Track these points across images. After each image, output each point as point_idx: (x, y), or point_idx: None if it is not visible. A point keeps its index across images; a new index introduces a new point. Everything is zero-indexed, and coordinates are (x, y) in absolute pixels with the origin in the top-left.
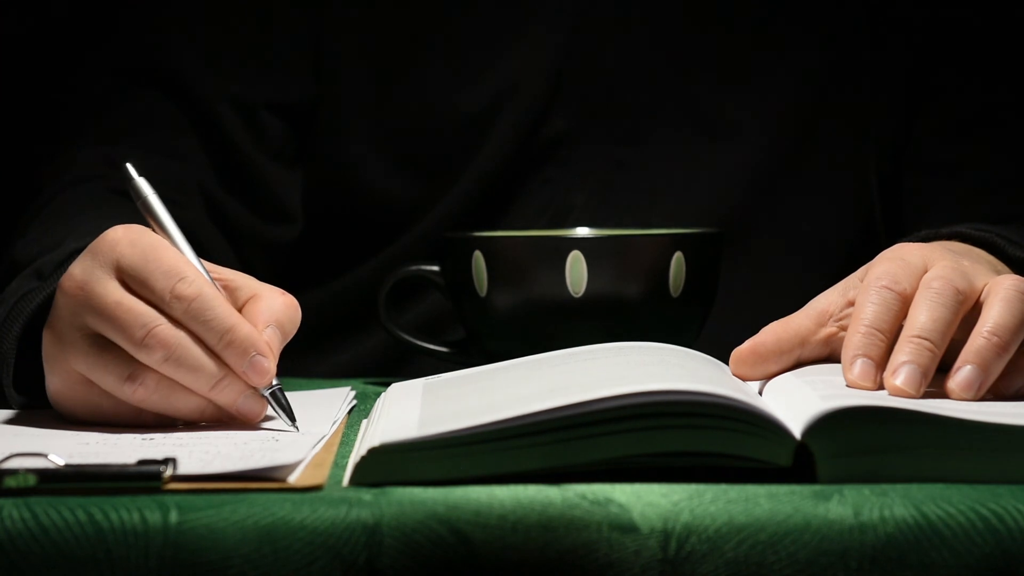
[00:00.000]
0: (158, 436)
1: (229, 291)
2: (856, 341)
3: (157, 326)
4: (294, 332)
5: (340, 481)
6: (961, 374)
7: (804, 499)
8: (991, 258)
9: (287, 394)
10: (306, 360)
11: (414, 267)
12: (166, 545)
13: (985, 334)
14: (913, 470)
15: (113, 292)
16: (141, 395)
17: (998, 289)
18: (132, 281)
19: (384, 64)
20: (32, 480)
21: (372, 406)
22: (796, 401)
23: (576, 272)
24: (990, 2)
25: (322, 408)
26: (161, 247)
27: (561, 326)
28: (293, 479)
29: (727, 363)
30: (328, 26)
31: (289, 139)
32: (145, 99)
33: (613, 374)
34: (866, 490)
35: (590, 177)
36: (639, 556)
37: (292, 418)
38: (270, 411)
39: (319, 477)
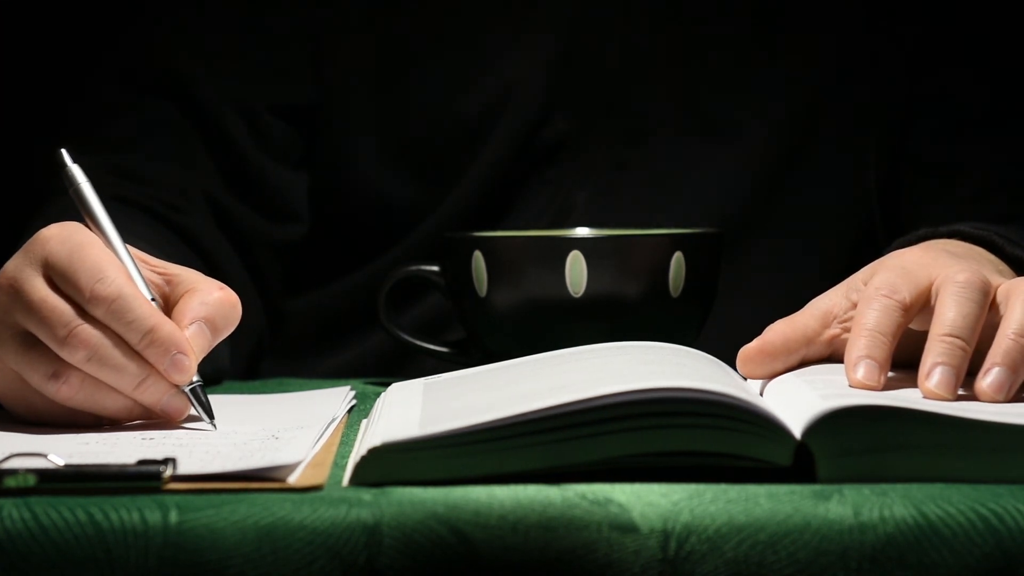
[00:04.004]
0: (158, 436)
1: (171, 285)
2: (860, 344)
3: (78, 325)
4: (229, 327)
5: (340, 481)
6: (991, 376)
7: (804, 499)
8: (992, 257)
9: (281, 394)
10: (306, 360)
11: (414, 267)
12: (166, 545)
13: (1011, 336)
14: (913, 470)
15: (39, 289)
16: (66, 393)
17: (1018, 292)
18: (57, 279)
19: (384, 67)
20: (32, 480)
21: (372, 406)
22: (796, 401)
23: (576, 272)
24: (989, 3)
25: (322, 408)
26: (88, 245)
27: (561, 326)
28: (293, 479)
29: (727, 363)
30: (327, 29)
31: (293, 141)
32: (149, 106)
33: (613, 372)
34: (866, 490)
35: (591, 178)
36: (639, 556)
37: (211, 415)
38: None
39: (319, 477)
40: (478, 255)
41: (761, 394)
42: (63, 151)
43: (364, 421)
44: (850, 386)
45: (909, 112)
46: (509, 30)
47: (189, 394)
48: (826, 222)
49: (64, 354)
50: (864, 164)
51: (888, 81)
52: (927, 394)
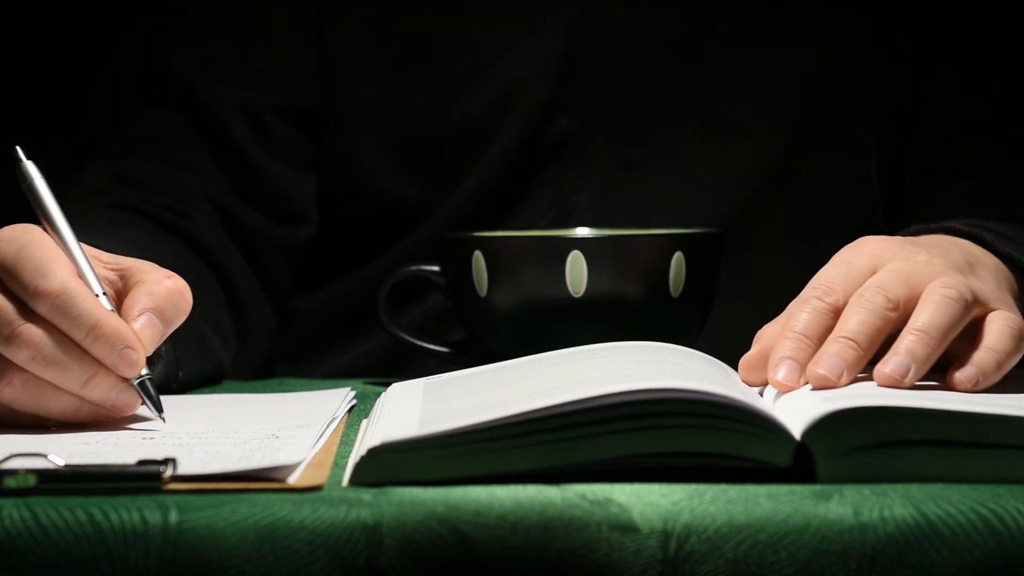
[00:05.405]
0: (158, 436)
1: (125, 279)
2: (786, 345)
3: (21, 324)
4: (180, 316)
5: (340, 481)
6: (891, 363)
7: (804, 499)
8: (975, 251)
9: (281, 394)
10: (307, 360)
11: (414, 267)
12: (166, 545)
13: (913, 331)
14: (913, 470)
15: None
16: (9, 394)
17: (924, 294)
18: (5, 277)
19: (387, 66)
20: (32, 480)
21: (372, 406)
22: (796, 401)
23: (576, 272)
24: (992, 4)
25: (322, 408)
26: (34, 244)
27: (561, 326)
28: (293, 479)
29: (728, 363)
30: (331, 29)
31: (299, 143)
32: (152, 112)
33: (613, 373)
34: (866, 490)
35: (594, 177)
36: (639, 556)
37: (159, 408)
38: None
39: (319, 477)
40: (478, 255)
41: (761, 395)
42: (18, 148)
43: (364, 421)
44: (771, 385)
45: (912, 112)
46: (512, 29)
47: (138, 388)
48: (828, 222)
49: (8, 353)
50: (866, 164)
51: (890, 81)
52: (813, 379)
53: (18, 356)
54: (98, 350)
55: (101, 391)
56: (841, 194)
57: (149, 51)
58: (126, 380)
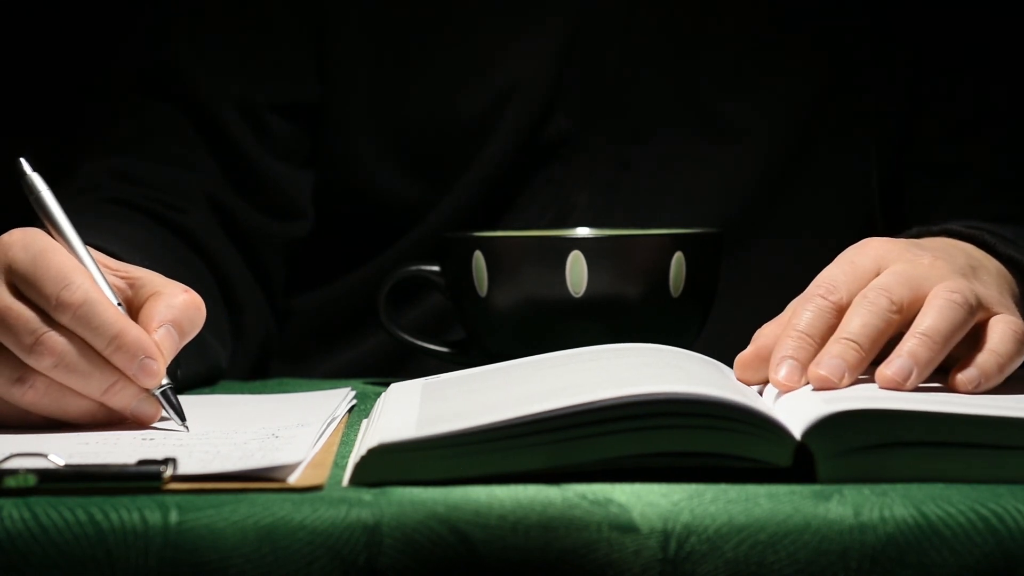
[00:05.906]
0: (158, 436)
1: (134, 288)
2: (788, 344)
3: (45, 333)
4: (195, 330)
5: (340, 481)
6: (893, 365)
7: (804, 499)
8: (976, 254)
9: (281, 395)
10: (307, 360)
11: (414, 267)
12: (166, 545)
13: (917, 334)
14: (913, 470)
15: (2, 297)
16: (31, 398)
17: (929, 297)
18: (22, 285)
19: (386, 64)
20: (32, 480)
21: (372, 406)
22: (797, 402)
23: (576, 272)
24: (991, 4)
25: (322, 408)
26: (51, 251)
27: (561, 326)
28: (293, 479)
29: (728, 364)
30: (329, 27)
31: (297, 139)
32: (150, 108)
33: (614, 376)
34: (866, 490)
35: (593, 177)
36: (639, 556)
37: (182, 417)
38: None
39: (319, 477)
40: (478, 255)
41: (761, 395)
42: (22, 160)
43: (364, 421)
44: (772, 384)
45: (912, 113)
46: (512, 27)
47: (160, 397)
48: (828, 222)
49: (31, 361)
50: (866, 164)
51: (891, 82)
52: (815, 379)
53: (41, 364)
54: (119, 359)
55: (122, 399)
56: (841, 194)
57: (148, 48)
58: (147, 390)
